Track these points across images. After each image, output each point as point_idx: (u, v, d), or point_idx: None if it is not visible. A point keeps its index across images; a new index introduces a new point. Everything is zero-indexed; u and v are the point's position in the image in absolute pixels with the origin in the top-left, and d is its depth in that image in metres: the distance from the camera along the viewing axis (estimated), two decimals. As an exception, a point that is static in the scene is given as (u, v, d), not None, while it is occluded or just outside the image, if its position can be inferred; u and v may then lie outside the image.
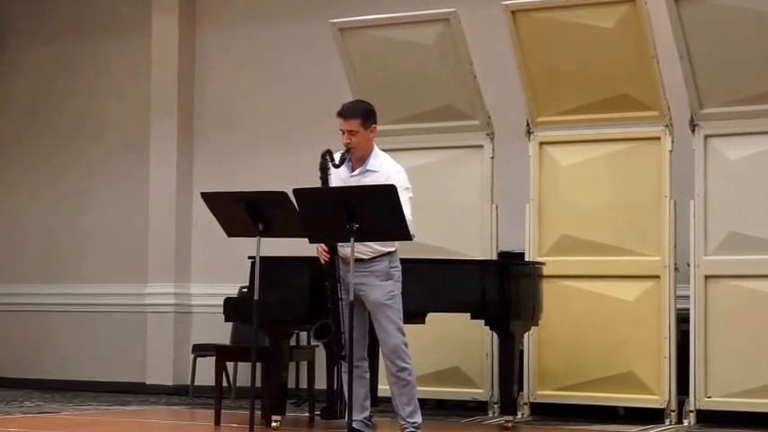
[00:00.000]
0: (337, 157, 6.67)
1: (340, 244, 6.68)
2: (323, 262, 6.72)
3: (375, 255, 6.70)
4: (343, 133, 6.72)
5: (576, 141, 8.99)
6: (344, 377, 6.78)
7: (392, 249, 6.77)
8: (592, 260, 8.83)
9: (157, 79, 11.46)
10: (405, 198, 6.57)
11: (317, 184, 6.74)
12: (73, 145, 11.96)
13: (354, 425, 6.76)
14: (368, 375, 6.91)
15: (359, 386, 6.78)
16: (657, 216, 8.64)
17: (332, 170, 6.66)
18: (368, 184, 6.67)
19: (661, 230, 8.62)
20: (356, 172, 6.75)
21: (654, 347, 8.56)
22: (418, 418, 6.82)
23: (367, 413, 6.88)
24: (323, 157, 6.64)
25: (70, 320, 11.72)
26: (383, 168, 6.75)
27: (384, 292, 6.71)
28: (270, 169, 10.77)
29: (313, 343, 6.88)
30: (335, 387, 8.32)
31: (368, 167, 6.75)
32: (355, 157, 6.75)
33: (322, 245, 6.73)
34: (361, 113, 6.75)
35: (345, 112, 6.75)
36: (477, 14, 9.54)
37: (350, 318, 6.56)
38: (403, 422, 6.79)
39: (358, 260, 6.61)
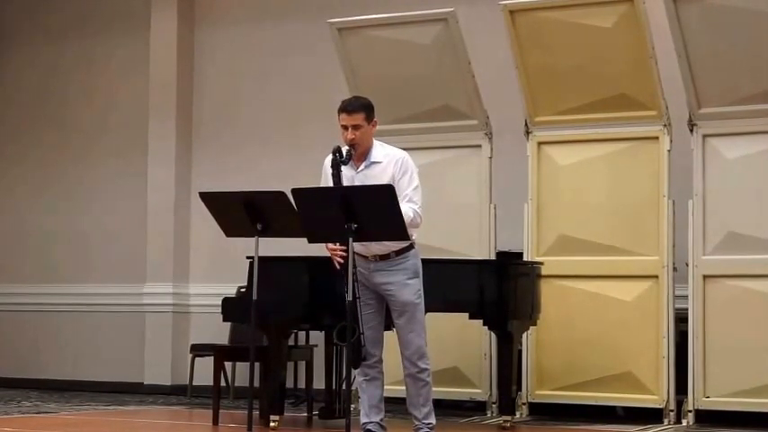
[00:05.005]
0: (343, 153, 6.60)
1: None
2: (338, 266, 6.52)
3: (400, 248, 6.57)
4: (346, 129, 6.61)
5: (574, 141, 8.99)
6: (360, 379, 6.71)
7: (413, 239, 6.65)
8: (590, 260, 8.83)
9: (156, 78, 11.46)
10: (416, 183, 6.58)
11: (317, 183, 6.73)
12: (71, 145, 11.96)
13: (370, 427, 6.71)
14: (383, 377, 6.78)
15: (375, 387, 6.70)
16: (656, 216, 8.64)
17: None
18: (376, 175, 6.59)
19: (659, 230, 8.61)
20: (361, 167, 6.66)
21: (652, 347, 8.56)
22: (433, 420, 6.79)
23: (382, 414, 6.78)
24: (334, 154, 6.56)
25: (68, 320, 11.71)
26: (388, 157, 6.65)
27: (414, 290, 6.62)
28: (268, 169, 10.77)
29: (335, 341, 6.74)
30: (335, 387, 8.33)
31: (372, 160, 6.65)
32: (358, 153, 6.63)
33: (337, 244, 6.53)
34: (364, 108, 6.67)
35: (349, 107, 6.65)
36: (475, 14, 9.56)
37: (355, 316, 6.48)
38: (418, 422, 6.74)
39: (382, 258, 6.58)
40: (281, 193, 6.91)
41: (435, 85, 9.17)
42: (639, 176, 8.74)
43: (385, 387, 6.81)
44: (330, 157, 6.61)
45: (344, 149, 6.60)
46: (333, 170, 6.56)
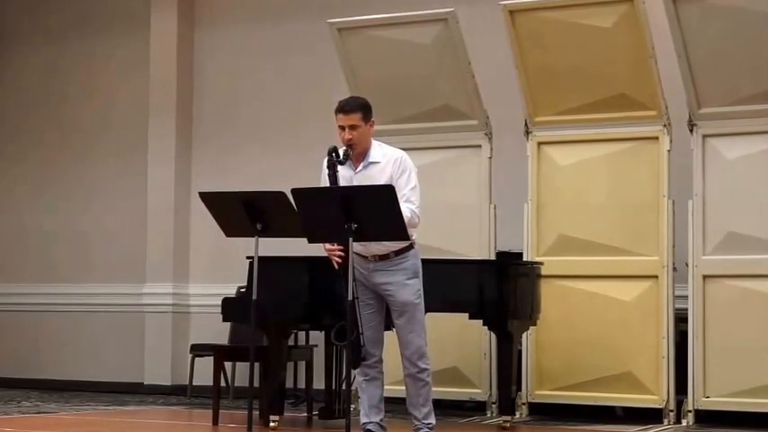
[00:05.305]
0: (341, 153, 6.60)
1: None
2: (336, 266, 6.52)
3: (400, 248, 6.56)
4: (343, 129, 6.60)
5: (574, 141, 8.99)
6: (360, 379, 6.70)
7: (413, 239, 6.64)
8: (590, 260, 8.83)
9: (156, 78, 11.46)
10: (414, 183, 6.57)
11: (316, 183, 6.72)
12: (71, 144, 11.96)
13: (370, 427, 6.71)
14: (383, 377, 6.77)
15: (375, 387, 6.70)
16: (656, 216, 8.64)
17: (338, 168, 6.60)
18: (375, 175, 6.58)
19: (659, 230, 8.61)
20: (360, 168, 6.65)
21: (652, 347, 8.56)
22: (433, 420, 6.78)
23: (382, 415, 6.77)
24: (330, 154, 6.54)
25: (68, 320, 11.71)
26: (386, 157, 6.64)
27: (413, 290, 6.61)
28: (268, 169, 10.77)
29: (334, 341, 6.75)
30: (335, 387, 8.33)
31: (370, 160, 6.64)
32: (356, 153, 6.63)
33: (334, 244, 6.52)
34: (361, 107, 6.66)
35: (346, 107, 6.64)
36: (475, 14, 9.56)
37: (354, 317, 6.48)
38: (417, 422, 6.73)
39: (381, 258, 6.58)
40: (281, 194, 6.90)
41: (435, 85, 9.17)
42: (639, 177, 8.74)
43: (385, 387, 6.80)
44: (327, 157, 6.60)
45: (342, 150, 6.59)
46: (329, 170, 6.54)
